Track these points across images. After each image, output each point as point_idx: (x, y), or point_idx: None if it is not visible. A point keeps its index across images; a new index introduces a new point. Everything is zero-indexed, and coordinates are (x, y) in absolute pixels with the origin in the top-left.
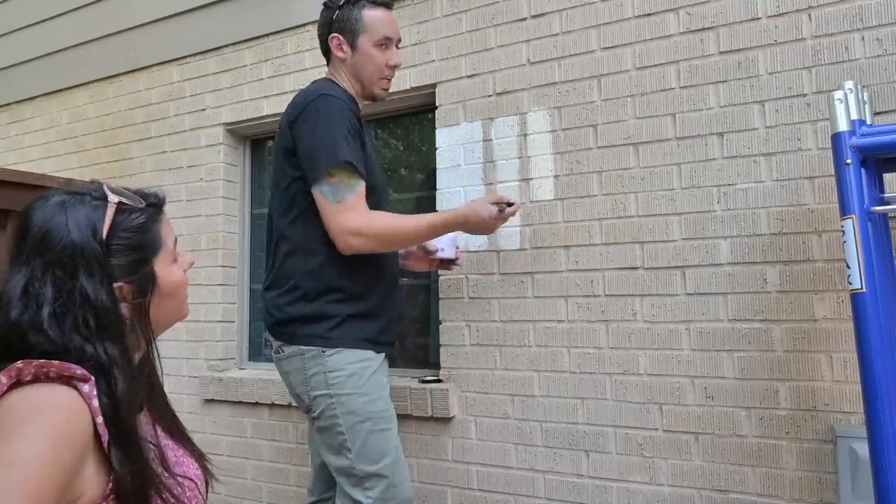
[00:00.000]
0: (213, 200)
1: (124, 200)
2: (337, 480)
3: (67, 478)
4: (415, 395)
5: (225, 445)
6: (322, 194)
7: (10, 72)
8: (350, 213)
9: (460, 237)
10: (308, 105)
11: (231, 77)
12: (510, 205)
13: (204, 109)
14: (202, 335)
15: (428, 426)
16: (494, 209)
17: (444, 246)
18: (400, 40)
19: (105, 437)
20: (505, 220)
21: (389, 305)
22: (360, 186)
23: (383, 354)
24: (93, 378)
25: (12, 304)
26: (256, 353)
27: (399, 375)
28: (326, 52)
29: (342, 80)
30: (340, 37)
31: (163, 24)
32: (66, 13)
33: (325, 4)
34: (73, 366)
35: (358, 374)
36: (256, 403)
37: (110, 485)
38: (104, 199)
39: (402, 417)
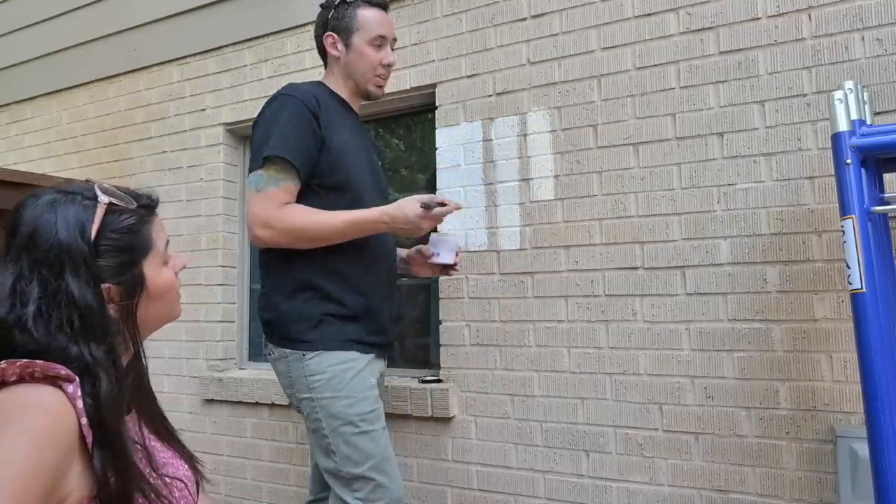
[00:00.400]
0: (213, 200)
1: (115, 201)
2: (327, 481)
3: (53, 479)
4: (415, 395)
5: (225, 445)
6: (248, 184)
7: (10, 72)
8: (263, 203)
9: (461, 238)
10: (263, 105)
11: (231, 77)
12: (443, 205)
13: (204, 109)
14: (202, 335)
15: (428, 426)
16: (419, 208)
17: (440, 251)
18: (395, 40)
19: (89, 438)
20: (435, 220)
21: (378, 305)
22: (287, 182)
23: (372, 355)
24: (77, 378)
25: (0, 302)
26: (256, 353)
27: (399, 375)
28: (322, 52)
29: (334, 79)
30: (335, 35)
31: (163, 24)
32: (66, 13)
33: (321, 5)
34: (58, 366)
35: (338, 376)
36: (256, 403)
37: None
38: (94, 198)
39: (402, 417)
